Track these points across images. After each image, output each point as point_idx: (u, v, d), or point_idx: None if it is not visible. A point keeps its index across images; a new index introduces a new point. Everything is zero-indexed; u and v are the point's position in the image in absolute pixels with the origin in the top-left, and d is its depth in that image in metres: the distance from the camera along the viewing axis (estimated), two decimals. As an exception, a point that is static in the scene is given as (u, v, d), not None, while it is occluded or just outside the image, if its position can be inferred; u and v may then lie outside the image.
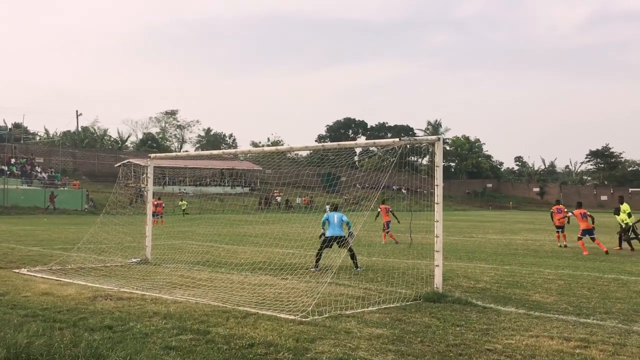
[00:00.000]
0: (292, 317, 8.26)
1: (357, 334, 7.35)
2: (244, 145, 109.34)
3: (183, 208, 48.02)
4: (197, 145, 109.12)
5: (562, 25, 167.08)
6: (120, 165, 68.87)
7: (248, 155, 43.15)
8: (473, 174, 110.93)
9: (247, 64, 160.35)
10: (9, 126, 77.46)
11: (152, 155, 16.97)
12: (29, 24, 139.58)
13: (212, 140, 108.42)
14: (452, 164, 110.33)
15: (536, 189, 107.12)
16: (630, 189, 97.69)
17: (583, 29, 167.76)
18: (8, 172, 55.85)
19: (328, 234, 14.12)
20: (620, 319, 8.52)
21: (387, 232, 23.09)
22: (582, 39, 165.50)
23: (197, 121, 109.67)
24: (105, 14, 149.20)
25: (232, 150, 39.15)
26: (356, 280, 12.18)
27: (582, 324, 8.19)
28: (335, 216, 14.17)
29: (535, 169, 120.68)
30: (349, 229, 14.14)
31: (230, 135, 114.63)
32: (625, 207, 20.39)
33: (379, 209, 23.79)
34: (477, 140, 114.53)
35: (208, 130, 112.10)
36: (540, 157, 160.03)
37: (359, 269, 13.68)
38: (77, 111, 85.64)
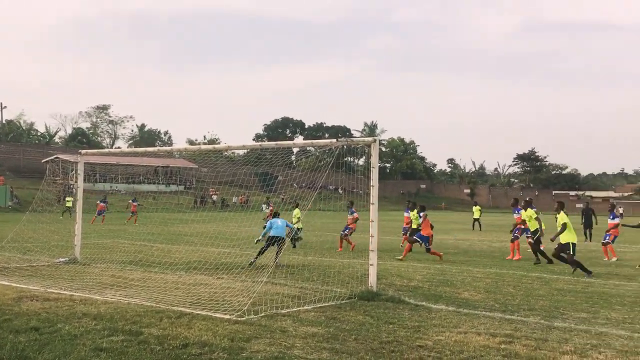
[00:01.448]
0: (227, 316, 8.23)
1: (293, 332, 7.40)
2: (179, 143, 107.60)
3: (68, 205, 38.68)
4: (130, 141, 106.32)
5: (494, 32, 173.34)
6: (47, 161, 66.20)
7: (184, 152, 42.43)
8: (407, 175, 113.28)
9: (184, 60, 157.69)
10: None
11: (83, 151, 16.41)
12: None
13: (146, 137, 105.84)
14: (388, 165, 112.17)
15: (467, 190, 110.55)
16: (553, 192, 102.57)
17: (513, 36, 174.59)
18: None
19: (272, 233, 14.71)
20: (543, 316, 8.97)
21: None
22: (513, 46, 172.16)
23: (131, 117, 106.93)
24: (32, 4, 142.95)
25: (168, 148, 38.41)
26: (292, 280, 12.24)
27: (507, 320, 8.56)
28: (279, 221, 14.94)
29: (466, 171, 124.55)
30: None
31: (166, 132, 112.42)
32: (530, 212, 17.46)
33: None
34: (412, 142, 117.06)
35: (142, 127, 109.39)
36: (471, 159, 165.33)
37: (279, 263, 13.71)
38: (1, 104, 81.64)
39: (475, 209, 36.92)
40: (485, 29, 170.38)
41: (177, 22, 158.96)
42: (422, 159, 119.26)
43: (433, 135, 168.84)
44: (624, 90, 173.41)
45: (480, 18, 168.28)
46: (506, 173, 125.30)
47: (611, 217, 19.25)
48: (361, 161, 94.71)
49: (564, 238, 14.15)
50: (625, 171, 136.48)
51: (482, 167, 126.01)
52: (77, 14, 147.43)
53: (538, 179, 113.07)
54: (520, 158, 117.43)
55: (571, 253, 14.02)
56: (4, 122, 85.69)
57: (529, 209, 17.58)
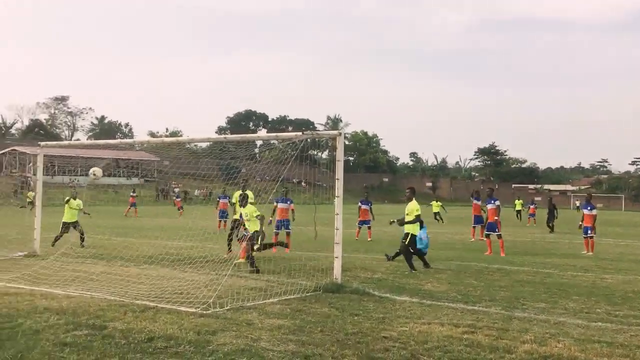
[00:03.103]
0: (192, 310, 8.19)
1: (259, 325, 7.42)
2: (140, 135, 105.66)
3: (30, 200, 36.06)
4: (90, 133, 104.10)
5: (453, 28, 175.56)
6: (3, 154, 64.36)
7: (145, 145, 41.78)
8: (370, 168, 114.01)
9: (144, 51, 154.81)
10: None
11: (43, 143, 16.04)
12: None
13: (106, 129, 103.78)
14: (351, 159, 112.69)
15: (429, 184, 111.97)
16: (513, 185, 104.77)
17: (472, 32, 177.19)
18: None
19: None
20: (504, 306, 9.20)
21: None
22: (472, 42, 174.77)
23: (90, 108, 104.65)
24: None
25: (130, 140, 37.74)
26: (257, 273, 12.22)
27: (469, 311, 8.76)
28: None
29: (429, 164, 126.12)
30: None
31: (127, 125, 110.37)
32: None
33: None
34: (375, 136, 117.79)
35: (102, 119, 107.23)
36: (433, 153, 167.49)
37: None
38: (-47, 93, 78.84)
39: (435, 204, 37.93)
40: (445, 24, 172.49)
41: (136, 10, 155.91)
42: (385, 152, 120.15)
43: (396, 129, 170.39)
44: (579, 87, 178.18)
45: (440, 14, 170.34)
46: (467, 167, 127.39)
47: (588, 209, 18.67)
48: (325, 154, 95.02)
49: (407, 228, 13.36)
50: (582, 165, 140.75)
51: (444, 161, 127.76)
52: (34, 0, 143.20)
53: (498, 172, 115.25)
54: (481, 152, 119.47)
55: (406, 243, 13.22)
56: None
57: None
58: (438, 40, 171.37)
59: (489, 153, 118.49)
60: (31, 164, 52.88)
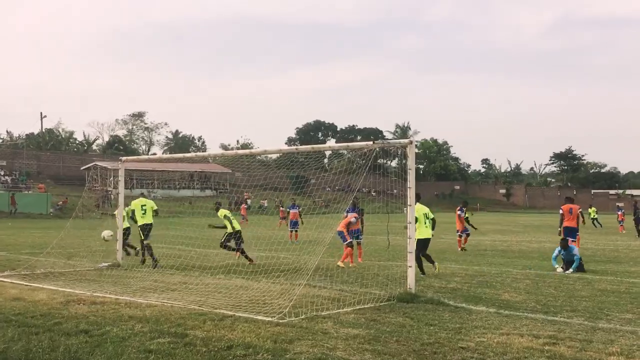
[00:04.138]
0: (269, 319, 8.34)
1: (334, 334, 7.47)
2: (213, 148, 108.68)
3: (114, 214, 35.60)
4: (165, 147, 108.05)
5: (528, 30, 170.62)
6: (86, 169, 67.83)
7: (219, 158, 42.96)
8: (441, 176, 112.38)
9: (215, 66, 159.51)
10: (-31, 128, 75.42)
11: (124, 158, 16.82)
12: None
13: (180, 143, 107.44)
14: (421, 167, 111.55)
15: (502, 191, 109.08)
16: (592, 190, 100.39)
17: (547, 33, 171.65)
18: (-31, 176, 54.48)
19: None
20: (586, 317, 8.84)
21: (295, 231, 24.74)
22: (546, 43, 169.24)
23: (165, 123, 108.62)
24: (70, 14, 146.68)
25: (204, 154, 38.94)
26: (330, 282, 12.30)
27: (550, 321, 8.46)
28: None
29: (502, 171, 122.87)
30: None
31: (199, 138, 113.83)
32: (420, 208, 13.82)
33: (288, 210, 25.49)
34: (445, 143, 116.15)
35: (176, 133, 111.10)
36: (506, 159, 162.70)
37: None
38: (41, 113, 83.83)
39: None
40: (516, 27, 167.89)
41: (208, 29, 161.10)
42: (456, 159, 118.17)
43: (467, 135, 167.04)
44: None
45: (511, 16, 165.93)
46: (543, 172, 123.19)
47: None
48: (394, 163, 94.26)
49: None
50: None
51: (517, 167, 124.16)
52: (112, 24, 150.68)
53: (576, 177, 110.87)
54: (557, 157, 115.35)
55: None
56: (43, 131, 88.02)
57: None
58: (509, 43, 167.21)
59: (566, 158, 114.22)
60: (112, 178, 55.44)
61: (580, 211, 17.27)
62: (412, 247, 10.60)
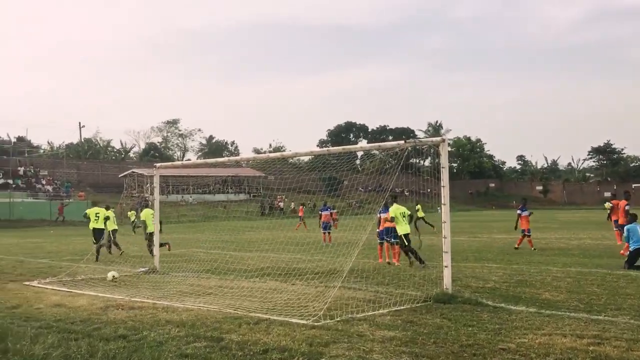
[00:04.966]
0: (303, 322, 8.29)
1: (370, 337, 7.38)
2: (246, 152, 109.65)
3: (132, 220, 34.46)
4: (199, 153, 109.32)
5: (558, 24, 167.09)
6: (124, 176, 69.12)
7: (251, 162, 43.20)
8: (475, 174, 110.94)
9: (246, 71, 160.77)
10: (13, 140, 77.70)
11: (158, 164, 17.04)
12: (31, 37, 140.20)
13: (214, 148, 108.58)
14: (454, 165, 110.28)
15: (539, 188, 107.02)
16: (633, 185, 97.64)
17: (579, 26, 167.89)
18: (13, 186, 56.01)
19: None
20: (632, 315, 8.54)
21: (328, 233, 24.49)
22: (578, 36, 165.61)
23: (199, 129, 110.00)
24: (102, 25, 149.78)
25: (236, 158, 39.18)
26: (365, 284, 12.20)
27: (593, 321, 8.20)
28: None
29: (538, 167, 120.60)
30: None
31: (232, 143, 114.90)
32: (397, 208, 15.37)
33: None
34: (479, 140, 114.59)
35: (210, 138, 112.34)
36: (542, 155, 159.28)
37: None
38: (79, 123, 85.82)
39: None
40: (548, 20, 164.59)
41: (237, 35, 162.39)
42: (490, 157, 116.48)
43: (501, 132, 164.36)
44: None
45: (543, 9, 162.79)
46: (581, 168, 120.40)
47: None
48: (427, 162, 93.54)
49: (398, 230, 15.15)
50: None
51: (554, 163, 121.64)
52: (143, 34, 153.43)
53: (616, 172, 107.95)
54: (596, 151, 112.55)
55: (405, 244, 15.00)
56: (82, 140, 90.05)
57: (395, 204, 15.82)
58: (542, 37, 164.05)
59: (605, 152, 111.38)
60: (148, 185, 56.38)
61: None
62: (447, 246, 10.43)
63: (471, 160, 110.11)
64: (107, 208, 21.21)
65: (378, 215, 16.94)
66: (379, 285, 12.03)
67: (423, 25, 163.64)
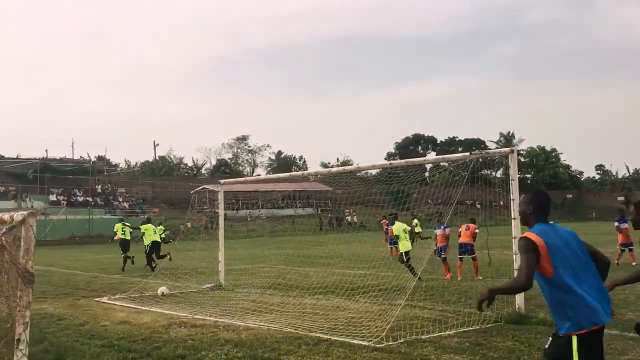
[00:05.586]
0: (365, 343, 7.97)
1: (435, 360, 6.98)
2: (314, 167, 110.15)
3: (161, 234, 29.47)
4: (269, 168, 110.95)
5: (635, 25, 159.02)
6: (194, 193, 71.02)
7: (318, 176, 43.35)
8: (551, 185, 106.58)
9: (314, 86, 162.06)
10: (93, 159, 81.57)
11: (222, 181, 17.26)
12: (105, 61, 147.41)
13: (282, 163, 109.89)
14: (528, 176, 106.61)
15: (621, 198, 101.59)
16: None
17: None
18: (93, 203, 58.59)
19: None
20: None
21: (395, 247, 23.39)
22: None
23: (268, 145, 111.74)
24: (173, 45, 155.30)
25: (298, 173, 39.35)
26: (431, 302, 11.72)
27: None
28: None
29: (619, 177, 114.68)
30: None
31: (300, 157, 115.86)
32: (399, 226, 16.65)
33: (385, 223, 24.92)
34: (554, 150, 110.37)
35: (279, 154, 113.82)
36: (624, 163, 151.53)
37: None
38: (154, 142, 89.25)
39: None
40: (623, 23, 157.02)
41: (304, 50, 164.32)
42: (567, 167, 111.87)
43: (577, 141, 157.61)
44: None
45: (622, 11, 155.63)
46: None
47: None
48: (499, 173, 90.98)
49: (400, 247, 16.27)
50: None
51: (637, 172, 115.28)
52: (213, 53, 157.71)
53: None
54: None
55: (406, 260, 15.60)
56: (157, 158, 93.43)
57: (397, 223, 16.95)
58: (617, 39, 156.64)
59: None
60: (218, 201, 57.55)
61: None
62: (518, 264, 9.83)
63: (546, 170, 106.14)
64: (148, 221, 23.73)
65: (434, 231, 16.93)
66: (446, 303, 11.52)
67: (493, 33, 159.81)
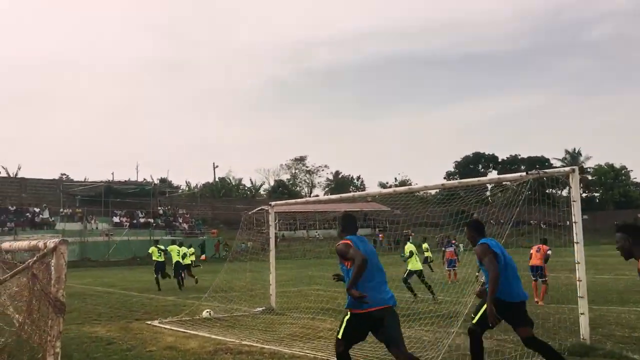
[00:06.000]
0: (415, 375, 7.49)
1: (488, 398, 6.45)
2: (371, 187, 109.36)
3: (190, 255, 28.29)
4: (326, 188, 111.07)
5: None
6: (249, 214, 71.76)
7: (376, 197, 42.78)
8: (621, 204, 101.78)
9: (371, 106, 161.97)
10: (155, 181, 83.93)
11: (273, 203, 17.20)
12: (172, 86, 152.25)
13: (340, 183, 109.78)
14: (596, 195, 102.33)
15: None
16: None
17: None
18: (154, 224, 60.08)
19: None
20: None
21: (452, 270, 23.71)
22: None
23: (326, 166, 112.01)
24: (234, 69, 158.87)
25: (348, 194, 38.60)
26: (489, 331, 11.05)
27: None
28: None
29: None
30: None
31: (358, 177, 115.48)
32: (409, 246, 19.03)
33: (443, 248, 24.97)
34: (623, 167, 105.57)
35: (336, 174, 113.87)
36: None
37: None
38: (213, 163, 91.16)
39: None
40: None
41: (361, 70, 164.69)
42: (638, 185, 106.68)
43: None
44: None
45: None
46: None
47: None
48: (565, 192, 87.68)
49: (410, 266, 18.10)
50: None
51: None
52: (271, 75, 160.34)
53: None
54: None
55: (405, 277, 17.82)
56: (216, 179, 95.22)
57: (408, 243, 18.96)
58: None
59: None
60: (276, 221, 57.92)
61: None
62: (583, 291, 9.16)
63: (615, 189, 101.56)
64: (174, 242, 26.83)
65: (443, 249, 18.10)
66: (503, 332, 10.85)
67: (557, 49, 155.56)
